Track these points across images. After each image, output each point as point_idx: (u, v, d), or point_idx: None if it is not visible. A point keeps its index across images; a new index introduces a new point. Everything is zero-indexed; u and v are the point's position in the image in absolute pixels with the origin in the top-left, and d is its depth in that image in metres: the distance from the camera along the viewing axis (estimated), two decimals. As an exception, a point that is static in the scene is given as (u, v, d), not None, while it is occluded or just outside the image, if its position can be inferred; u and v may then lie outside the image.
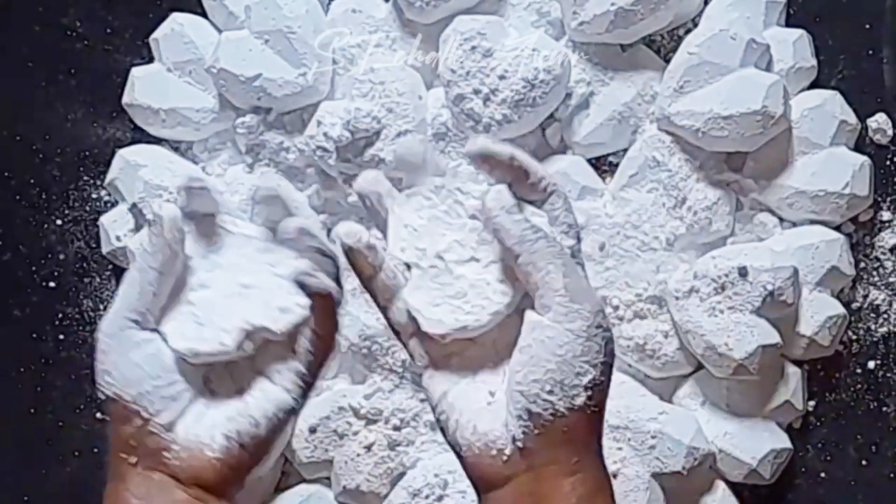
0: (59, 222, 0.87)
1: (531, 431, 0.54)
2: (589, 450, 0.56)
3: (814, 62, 0.80)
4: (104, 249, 0.84)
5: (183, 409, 0.58)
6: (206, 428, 0.58)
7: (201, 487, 0.58)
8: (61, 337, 0.87)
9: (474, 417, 0.55)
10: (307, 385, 0.60)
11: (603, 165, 0.81)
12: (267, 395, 0.59)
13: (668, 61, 0.78)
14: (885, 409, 0.80)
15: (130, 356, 0.58)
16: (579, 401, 0.54)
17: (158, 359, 0.58)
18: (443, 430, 0.57)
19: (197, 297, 0.60)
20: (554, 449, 0.54)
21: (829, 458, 0.80)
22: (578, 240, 0.58)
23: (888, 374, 0.80)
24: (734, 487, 0.79)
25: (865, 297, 0.80)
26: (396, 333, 0.60)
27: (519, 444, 0.54)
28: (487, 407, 0.56)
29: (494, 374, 0.57)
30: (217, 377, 0.60)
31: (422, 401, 0.80)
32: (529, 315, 0.55)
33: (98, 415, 0.85)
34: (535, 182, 0.57)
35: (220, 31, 0.83)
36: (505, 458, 0.54)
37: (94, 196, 0.87)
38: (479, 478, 0.56)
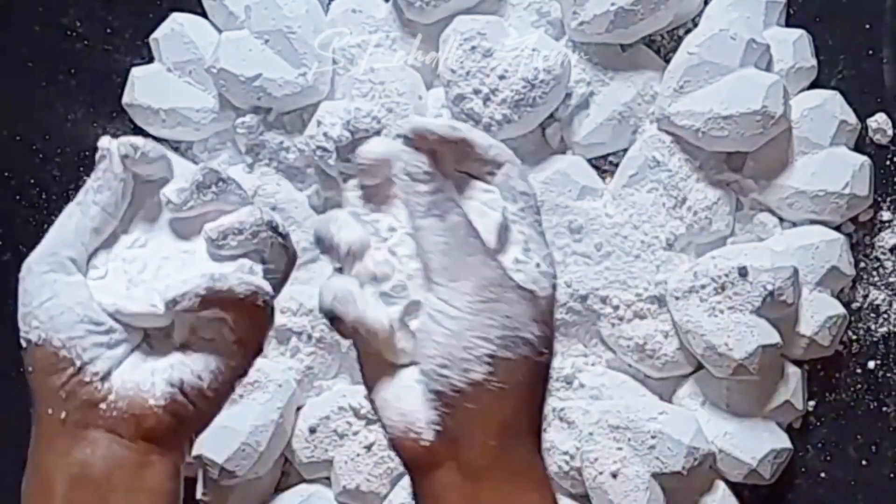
0: (59, 222, 0.87)
1: (444, 413, 0.51)
2: (511, 435, 0.53)
3: (814, 62, 0.80)
4: (104, 249, 0.84)
5: (119, 360, 0.54)
6: (145, 375, 0.54)
7: (144, 440, 0.54)
8: (61, 337, 0.87)
9: (399, 396, 0.53)
10: (252, 351, 0.57)
11: (603, 165, 0.81)
12: (210, 351, 0.55)
13: (668, 61, 0.78)
14: (885, 409, 0.80)
15: (62, 298, 0.53)
16: (476, 375, 0.51)
17: (94, 304, 0.54)
18: (374, 409, 0.55)
19: (132, 254, 0.56)
20: (468, 431, 0.52)
21: (829, 458, 0.80)
22: (537, 209, 0.56)
23: (888, 374, 0.80)
24: (734, 487, 0.79)
25: (865, 297, 0.80)
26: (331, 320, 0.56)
27: (436, 427, 0.52)
28: (413, 386, 0.53)
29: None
30: (156, 337, 0.57)
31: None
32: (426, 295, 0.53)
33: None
34: (483, 154, 0.55)
35: (220, 31, 0.83)
36: (426, 443, 0.52)
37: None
38: (407, 460, 0.54)
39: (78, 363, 0.53)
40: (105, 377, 0.54)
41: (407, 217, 0.55)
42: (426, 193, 0.53)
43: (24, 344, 0.54)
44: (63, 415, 0.53)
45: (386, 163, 0.55)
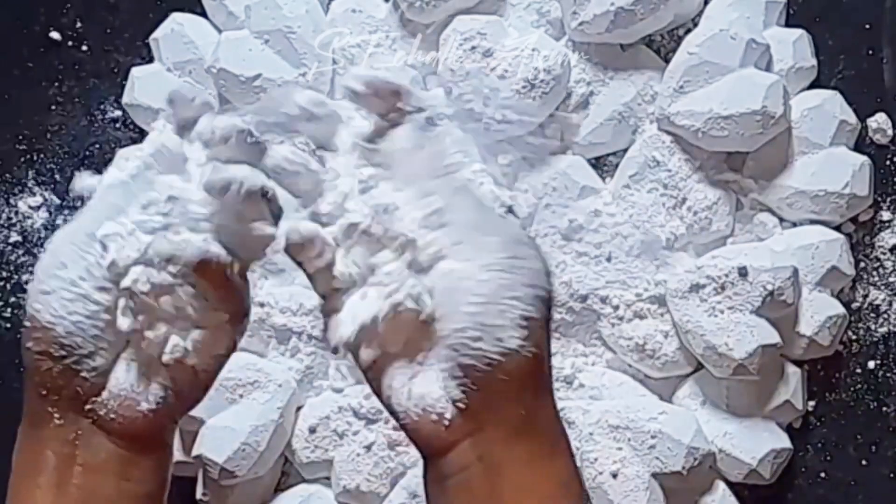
0: (58, 222, 0.87)
1: (470, 388, 0.49)
2: (537, 402, 0.50)
3: (814, 62, 0.80)
4: (104, 249, 0.84)
5: (117, 355, 0.52)
6: (139, 375, 0.52)
7: (130, 440, 0.52)
8: (61, 337, 0.87)
9: (407, 381, 0.51)
10: (237, 322, 0.55)
11: (603, 165, 0.81)
12: (197, 330, 0.53)
13: (668, 61, 0.78)
14: (885, 409, 0.80)
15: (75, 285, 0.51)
16: (513, 343, 0.48)
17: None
18: (378, 396, 0.53)
19: None
20: (497, 404, 0.49)
21: (829, 458, 0.80)
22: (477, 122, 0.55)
23: (888, 374, 0.80)
24: (734, 487, 0.79)
25: (865, 297, 0.80)
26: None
27: (460, 405, 0.49)
28: (419, 367, 0.51)
29: (421, 334, 0.51)
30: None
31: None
32: (439, 265, 0.50)
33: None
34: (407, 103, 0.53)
35: (220, 31, 0.83)
36: (447, 422, 0.49)
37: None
38: (423, 444, 0.51)
39: (78, 353, 0.51)
40: (102, 373, 0.52)
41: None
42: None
43: (29, 314, 0.52)
44: (54, 398, 0.52)
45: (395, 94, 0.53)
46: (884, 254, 0.80)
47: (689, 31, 0.80)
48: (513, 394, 0.49)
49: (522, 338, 0.49)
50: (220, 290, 0.53)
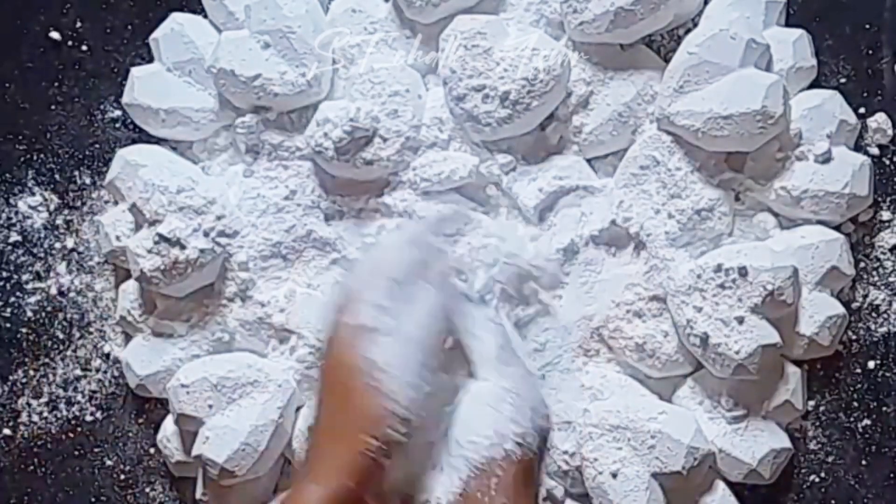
0: (58, 222, 0.87)
1: (467, 477, 0.61)
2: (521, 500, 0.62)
3: (814, 62, 0.80)
4: (103, 250, 0.84)
5: None
6: None
7: None
8: (61, 337, 0.87)
9: (429, 485, 0.63)
10: None
11: (603, 165, 0.81)
12: None
13: (668, 61, 0.78)
14: (885, 409, 0.80)
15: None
16: (509, 445, 0.62)
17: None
18: None
19: None
20: (488, 494, 0.61)
21: (829, 458, 0.80)
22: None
23: (888, 374, 0.80)
24: (734, 487, 0.79)
25: (865, 297, 0.80)
26: None
27: (457, 490, 0.61)
28: (435, 472, 0.63)
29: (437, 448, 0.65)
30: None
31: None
32: (466, 383, 0.65)
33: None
34: None
35: (220, 31, 0.83)
36: None
37: (93, 196, 0.87)
38: None
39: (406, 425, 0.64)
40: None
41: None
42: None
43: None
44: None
45: None
46: (884, 254, 0.80)
47: (689, 31, 0.80)
48: (503, 490, 0.62)
49: (517, 445, 0.64)
50: None
